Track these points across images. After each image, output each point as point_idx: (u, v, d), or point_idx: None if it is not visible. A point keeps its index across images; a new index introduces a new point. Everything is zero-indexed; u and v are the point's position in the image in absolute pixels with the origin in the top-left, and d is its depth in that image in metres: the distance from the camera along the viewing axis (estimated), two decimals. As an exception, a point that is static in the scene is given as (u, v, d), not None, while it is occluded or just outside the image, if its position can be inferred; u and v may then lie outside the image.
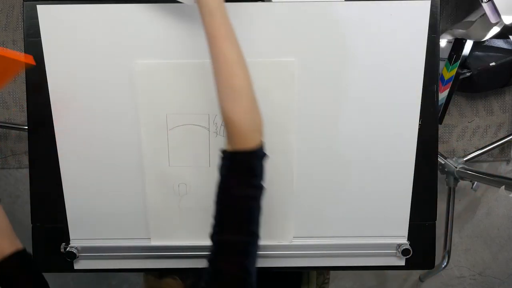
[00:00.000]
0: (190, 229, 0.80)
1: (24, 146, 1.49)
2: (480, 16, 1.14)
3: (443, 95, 1.33)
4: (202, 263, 0.83)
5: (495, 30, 1.10)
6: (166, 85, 0.74)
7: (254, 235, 0.58)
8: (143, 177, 0.78)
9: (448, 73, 1.30)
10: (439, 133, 0.79)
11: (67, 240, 0.81)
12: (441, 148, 1.51)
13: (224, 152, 0.59)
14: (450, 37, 1.30)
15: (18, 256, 0.64)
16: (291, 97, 0.74)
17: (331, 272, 1.06)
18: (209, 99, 0.74)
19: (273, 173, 0.78)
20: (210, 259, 0.57)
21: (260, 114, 0.60)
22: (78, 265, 0.82)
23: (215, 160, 0.76)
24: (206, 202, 0.78)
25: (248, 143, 0.58)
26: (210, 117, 0.75)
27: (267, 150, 0.60)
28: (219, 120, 0.75)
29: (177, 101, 0.74)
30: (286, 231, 0.80)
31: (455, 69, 1.27)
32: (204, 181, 0.78)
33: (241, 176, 0.58)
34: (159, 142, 0.76)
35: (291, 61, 0.73)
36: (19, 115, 1.46)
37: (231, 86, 0.56)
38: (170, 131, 0.76)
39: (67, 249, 0.79)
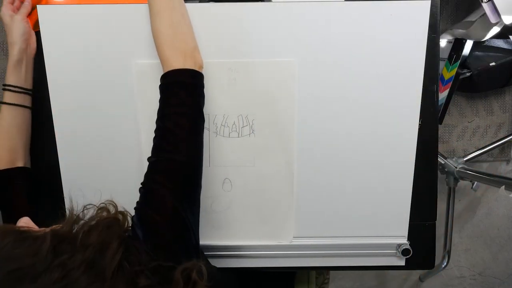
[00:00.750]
0: (190, 229, 0.80)
1: (24, 146, 1.48)
2: (480, 16, 1.14)
3: (443, 95, 1.33)
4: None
5: (495, 30, 1.10)
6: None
7: (189, 156, 0.58)
8: (142, 172, 0.77)
9: (448, 73, 1.30)
10: (439, 133, 0.79)
11: (67, 240, 0.81)
12: (441, 148, 1.51)
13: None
14: (450, 37, 1.30)
15: (22, 171, 0.75)
16: (291, 97, 0.74)
17: (331, 272, 1.06)
18: (209, 99, 0.74)
19: (273, 172, 0.78)
20: (143, 181, 0.58)
21: (188, 41, 0.64)
22: (78, 265, 0.82)
23: (215, 160, 0.77)
24: (205, 202, 0.78)
25: (174, 62, 0.61)
26: (210, 117, 0.75)
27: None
28: (219, 120, 0.75)
29: (177, 101, 0.74)
30: (286, 231, 0.80)
31: (455, 69, 1.27)
32: (204, 181, 0.78)
33: (171, 95, 0.60)
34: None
35: (291, 61, 0.73)
36: (19, 115, 1.46)
37: (151, 6, 0.63)
38: (170, 130, 0.75)
39: (67, 249, 0.79)
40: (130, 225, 0.54)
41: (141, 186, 0.58)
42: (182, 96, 0.60)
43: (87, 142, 0.76)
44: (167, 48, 0.62)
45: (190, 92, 0.61)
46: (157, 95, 0.62)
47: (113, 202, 0.52)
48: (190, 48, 0.64)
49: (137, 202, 0.57)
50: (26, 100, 0.75)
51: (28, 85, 0.75)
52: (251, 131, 0.76)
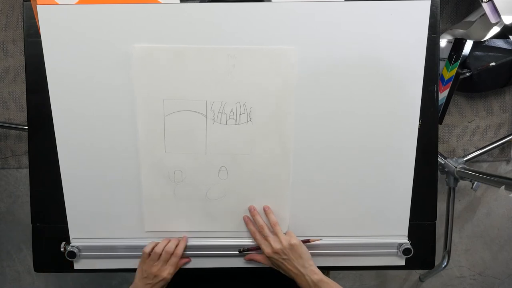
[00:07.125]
0: (184, 217, 0.80)
1: (24, 146, 1.48)
2: (480, 16, 1.14)
3: (443, 95, 1.33)
4: (204, 263, 0.83)
5: (495, 30, 1.10)
6: (164, 70, 0.73)
7: None
8: (139, 162, 0.77)
9: (448, 73, 1.30)
10: (439, 133, 0.79)
11: (67, 239, 0.81)
12: (441, 148, 1.50)
13: None
14: (450, 37, 1.30)
15: None
16: (290, 86, 0.74)
17: (331, 272, 1.06)
18: (207, 86, 0.74)
19: (269, 162, 0.77)
20: None
21: None
22: (78, 265, 0.82)
23: (212, 147, 0.76)
24: (201, 190, 0.78)
25: None
26: (208, 104, 0.75)
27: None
28: (216, 107, 0.75)
29: (174, 87, 0.74)
30: (281, 222, 0.80)
31: (455, 69, 1.27)
32: (200, 168, 0.78)
33: None
34: (155, 127, 0.76)
35: (291, 49, 0.73)
36: (19, 115, 1.46)
37: None
38: (167, 116, 0.75)
39: (68, 248, 0.79)
40: None
41: None
42: None
43: (87, 141, 0.76)
44: None
45: None
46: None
47: None
48: None
49: None
50: None
51: None
52: (248, 119, 0.75)
